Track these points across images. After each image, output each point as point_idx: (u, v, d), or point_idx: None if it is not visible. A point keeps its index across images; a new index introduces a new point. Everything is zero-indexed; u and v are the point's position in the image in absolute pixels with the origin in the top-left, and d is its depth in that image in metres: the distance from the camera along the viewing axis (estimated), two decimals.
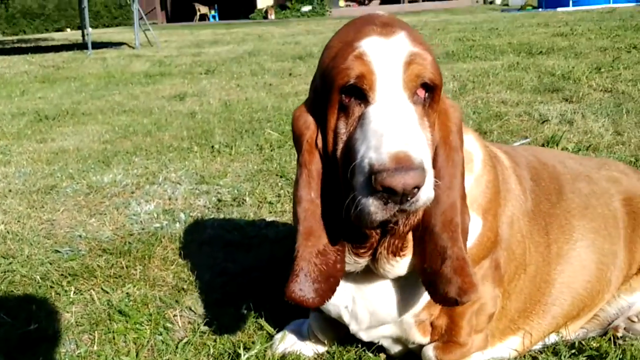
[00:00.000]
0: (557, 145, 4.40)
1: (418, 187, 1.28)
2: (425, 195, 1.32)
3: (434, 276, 1.57)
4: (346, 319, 1.88)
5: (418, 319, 1.85)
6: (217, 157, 4.81)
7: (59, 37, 23.87)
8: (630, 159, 4.00)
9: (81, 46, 16.95)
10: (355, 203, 1.35)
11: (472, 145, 1.81)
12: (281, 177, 4.16)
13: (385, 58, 1.40)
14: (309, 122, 1.54)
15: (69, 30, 30.27)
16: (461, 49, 10.73)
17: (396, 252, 1.62)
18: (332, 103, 1.45)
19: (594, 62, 8.13)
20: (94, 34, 21.15)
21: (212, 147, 5.08)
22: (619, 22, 13.65)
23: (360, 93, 1.41)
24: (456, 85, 7.21)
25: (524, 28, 14.44)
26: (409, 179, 1.25)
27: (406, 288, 1.76)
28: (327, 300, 1.60)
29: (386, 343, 2.02)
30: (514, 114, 5.54)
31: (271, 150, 4.89)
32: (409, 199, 1.29)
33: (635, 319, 2.12)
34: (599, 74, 7.27)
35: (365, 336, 1.95)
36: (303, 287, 1.54)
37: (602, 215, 2.12)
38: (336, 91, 1.43)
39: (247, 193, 3.89)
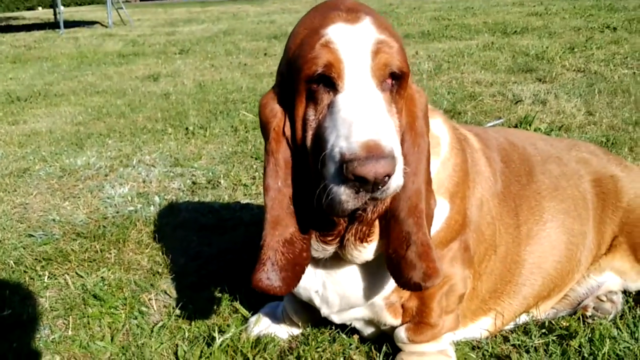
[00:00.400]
0: (529, 125, 4.44)
1: (389, 176, 1.28)
2: (396, 182, 1.33)
3: (398, 261, 1.58)
4: (317, 302, 1.90)
5: (388, 302, 1.87)
6: (191, 139, 4.78)
7: (30, 16, 23.35)
8: (601, 139, 4.05)
9: (53, 25, 16.61)
10: (326, 192, 1.35)
11: (440, 128, 1.82)
12: (256, 159, 4.15)
13: (353, 46, 1.39)
14: (275, 110, 1.53)
15: (40, 8, 29.54)
16: (437, 29, 10.73)
17: (363, 239, 1.64)
18: (299, 91, 1.44)
19: (568, 42, 8.19)
20: (66, 12, 20.73)
21: (187, 128, 5.04)
22: (592, 2, 13.72)
23: (328, 81, 1.40)
24: (431, 65, 7.22)
25: (499, 7, 14.46)
26: (380, 167, 1.26)
27: (375, 272, 1.78)
28: (293, 289, 1.62)
29: (358, 325, 2.05)
30: (488, 94, 5.57)
31: (246, 132, 4.87)
32: (380, 187, 1.30)
33: (604, 299, 2.17)
34: (572, 54, 7.33)
35: (337, 319, 1.98)
36: (270, 276, 1.56)
37: (571, 197, 2.16)
38: (304, 80, 1.41)
39: (221, 175, 3.87)
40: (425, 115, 1.59)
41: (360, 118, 1.31)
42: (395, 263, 1.59)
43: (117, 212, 3.39)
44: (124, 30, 15.06)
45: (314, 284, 1.84)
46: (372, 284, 1.81)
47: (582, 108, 4.91)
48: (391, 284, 1.81)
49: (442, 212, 1.76)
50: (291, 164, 1.54)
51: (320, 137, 1.40)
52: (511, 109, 5.04)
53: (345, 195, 1.32)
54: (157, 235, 3.06)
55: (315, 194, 1.41)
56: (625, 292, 2.27)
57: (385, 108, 1.39)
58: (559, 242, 2.11)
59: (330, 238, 1.63)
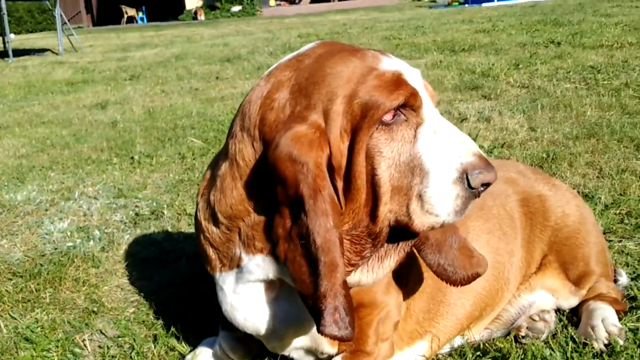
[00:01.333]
0: None
1: None
2: None
3: (452, 263, 1.71)
4: (266, 336, 1.87)
5: None
6: (137, 168, 4.71)
7: None
8: (542, 155, 4.13)
9: (2, 54, 16.30)
10: (427, 211, 1.46)
11: None
12: None
13: (415, 78, 1.52)
14: (314, 146, 1.44)
15: None
16: (387, 48, 10.84)
17: (384, 258, 1.64)
18: (367, 126, 1.45)
19: (513, 58, 8.37)
20: (17, 40, 20.45)
21: (132, 157, 4.97)
22: (539, 17, 14.09)
23: (408, 111, 1.48)
24: None
25: (448, 25, 14.73)
26: (495, 172, 1.45)
27: None
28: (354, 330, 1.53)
29: (296, 355, 2.02)
30: None
31: (193, 159, 4.82)
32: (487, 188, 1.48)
33: (537, 318, 2.18)
34: (517, 70, 7.49)
35: (280, 350, 1.95)
36: (342, 324, 1.47)
37: (497, 216, 2.19)
38: (382, 113, 1.44)
39: (165, 205, 3.82)
40: None
41: (464, 137, 1.47)
42: (447, 266, 1.72)
43: (55, 249, 3.30)
44: (74, 57, 14.88)
45: (266, 317, 1.80)
46: None
47: (525, 124, 5.00)
48: None
49: None
50: (336, 200, 1.48)
51: (409, 163, 1.47)
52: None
53: (461, 204, 1.45)
54: (95, 272, 2.99)
55: (373, 223, 1.51)
56: (558, 311, 2.30)
57: None
58: None
59: (350, 269, 1.59)
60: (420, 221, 1.47)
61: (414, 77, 1.51)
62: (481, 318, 2.19)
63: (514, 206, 2.24)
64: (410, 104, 1.47)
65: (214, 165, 1.80)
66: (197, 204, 1.85)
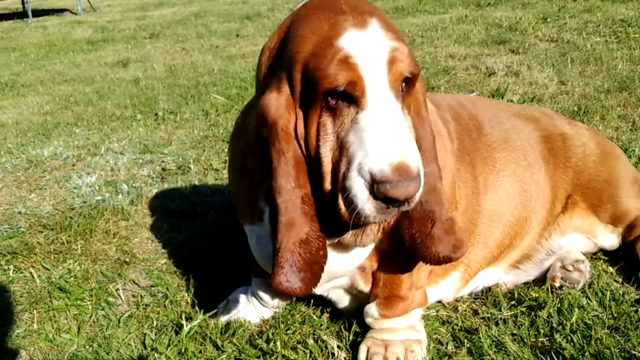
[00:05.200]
0: (502, 97, 4.41)
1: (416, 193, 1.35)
2: (419, 193, 1.38)
3: (423, 239, 1.62)
4: None
5: (361, 266, 1.87)
6: (161, 124, 4.70)
7: None
8: (573, 108, 4.04)
9: (22, 15, 16.25)
10: (349, 203, 1.39)
11: None
12: (228, 142, 4.09)
13: (371, 60, 1.38)
14: (282, 110, 1.47)
15: None
16: (410, 4, 10.63)
17: (387, 228, 1.62)
18: (315, 100, 1.42)
19: (541, 12, 8.15)
20: (35, 1, 20.32)
21: (156, 114, 4.95)
22: None
23: (350, 98, 1.40)
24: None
25: None
26: (410, 189, 1.33)
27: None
28: (314, 288, 1.58)
29: (334, 296, 2.03)
30: (462, 68, 5.53)
31: (217, 115, 4.80)
32: (408, 203, 1.37)
33: (571, 268, 2.16)
34: (545, 24, 7.29)
35: (318, 290, 1.96)
36: (290, 278, 1.52)
37: (521, 147, 2.20)
38: (322, 92, 1.40)
39: (192, 160, 3.81)
40: (425, 100, 1.62)
41: (389, 139, 1.35)
42: (419, 241, 1.64)
43: (85, 202, 3.31)
44: (93, 16, 14.80)
45: None
46: (352, 255, 1.79)
47: (555, 78, 4.89)
48: (365, 252, 1.80)
49: None
50: (303, 162, 1.50)
51: (342, 150, 1.42)
52: (484, 82, 5.01)
53: (373, 209, 1.38)
54: (125, 224, 3.00)
55: (323, 194, 1.47)
56: (592, 258, 2.27)
57: (404, 121, 1.42)
58: (512, 189, 2.15)
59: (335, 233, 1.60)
60: (344, 211, 1.42)
61: (370, 58, 1.38)
62: (511, 247, 2.19)
63: (537, 141, 2.26)
64: (349, 92, 1.38)
65: (246, 113, 1.78)
66: (229, 154, 1.84)
